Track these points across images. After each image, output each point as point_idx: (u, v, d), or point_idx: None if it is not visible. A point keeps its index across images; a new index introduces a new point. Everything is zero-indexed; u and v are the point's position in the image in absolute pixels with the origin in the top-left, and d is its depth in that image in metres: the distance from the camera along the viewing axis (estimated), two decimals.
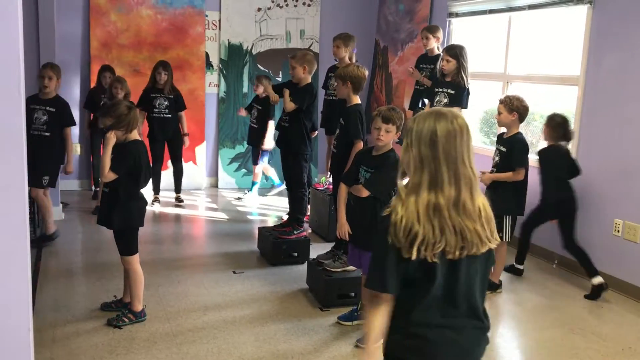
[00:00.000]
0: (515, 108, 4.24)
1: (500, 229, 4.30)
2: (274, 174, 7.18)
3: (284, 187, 6.02)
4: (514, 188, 4.31)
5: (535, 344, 3.69)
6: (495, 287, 4.45)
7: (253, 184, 7.12)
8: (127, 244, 3.65)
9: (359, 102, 4.25)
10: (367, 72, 4.26)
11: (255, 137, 6.69)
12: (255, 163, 6.90)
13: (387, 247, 1.73)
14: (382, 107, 3.43)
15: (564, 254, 5.01)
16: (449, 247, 1.72)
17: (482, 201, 1.79)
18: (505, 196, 4.28)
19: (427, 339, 1.78)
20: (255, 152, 6.82)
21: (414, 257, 1.70)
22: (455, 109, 1.89)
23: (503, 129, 4.46)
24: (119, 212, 3.55)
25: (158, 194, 6.57)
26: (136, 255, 3.68)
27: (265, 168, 7.08)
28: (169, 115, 6.33)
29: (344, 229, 3.53)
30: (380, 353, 1.84)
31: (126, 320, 3.64)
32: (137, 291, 3.68)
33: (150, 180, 4.28)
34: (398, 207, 1.74)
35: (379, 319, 1.80)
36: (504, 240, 4.35)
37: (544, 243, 5.22)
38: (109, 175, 3.46)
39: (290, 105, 4.76)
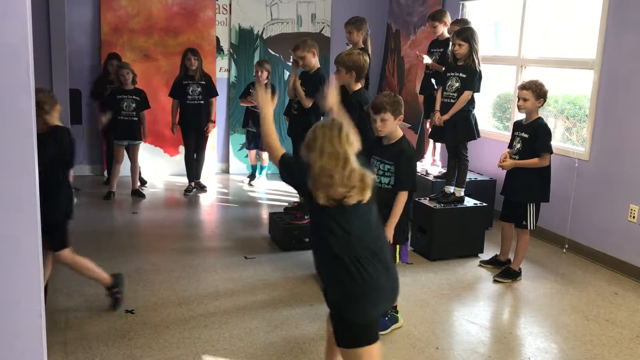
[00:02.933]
0: (543, 94, 4.13)
1: (524, 218, 4.22)
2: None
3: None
4: (539, 174, 4.17)
5: (549, 331, 3.67)
6: (516, 275, 4.40)
7: (262, 168, 7.12)
8: (61, 238, 3.43)
9: (359, 87, 4.13)
10: (368, 59, 4.17)
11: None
12: (260, 147, 6.86)
13: None
14: (373, 99, 3.31)
15: (573, 238, 4.98)
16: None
17: None
18: (530, 184, 4.17)
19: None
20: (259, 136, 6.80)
21: None
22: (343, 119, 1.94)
23: (521, 116, 4.36)
24: (50, 204, 3.15)
25: (193, 181, 6.56)
26: (69, 248, 3.48)
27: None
28: (202, 102, 6.35)
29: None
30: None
31: (114, 298, 3.63)
32: (93, 274, 3.59)
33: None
34: None
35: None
36: (529, 228, 4.25)
37: (554, 228, 5.17)
38: None
39: (308, 102, 4.74)
